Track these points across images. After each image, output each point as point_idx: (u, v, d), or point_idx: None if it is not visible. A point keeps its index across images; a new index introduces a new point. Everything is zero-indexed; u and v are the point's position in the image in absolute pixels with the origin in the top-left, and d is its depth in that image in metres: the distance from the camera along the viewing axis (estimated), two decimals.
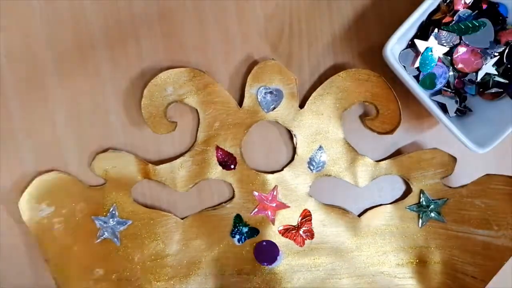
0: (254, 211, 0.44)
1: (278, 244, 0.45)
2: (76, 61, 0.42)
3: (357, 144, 0.44)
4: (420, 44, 0.42)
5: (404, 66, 0.43)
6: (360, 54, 0.44)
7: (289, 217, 0.44)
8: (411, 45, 0.43)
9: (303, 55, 0.44)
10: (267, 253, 0.44)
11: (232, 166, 0.43)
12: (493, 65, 0.43)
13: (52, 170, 0.42)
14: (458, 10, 0.42)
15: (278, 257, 0.45)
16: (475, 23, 0.42)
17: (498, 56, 0.43)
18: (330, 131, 0.43)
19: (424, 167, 0.44)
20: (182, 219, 0.44)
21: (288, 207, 0.44)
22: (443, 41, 0.42)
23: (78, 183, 0.42)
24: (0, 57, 0.41)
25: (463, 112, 0.44)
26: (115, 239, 0.43)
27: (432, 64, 0.43)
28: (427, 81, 0.43)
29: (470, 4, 0.42)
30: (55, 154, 0.43)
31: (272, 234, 0.44)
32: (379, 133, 0.43)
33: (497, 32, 0.42)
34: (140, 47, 0.42)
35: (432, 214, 0.45)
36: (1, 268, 0.44)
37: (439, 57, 0.43)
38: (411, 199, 0.45)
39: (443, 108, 0.44)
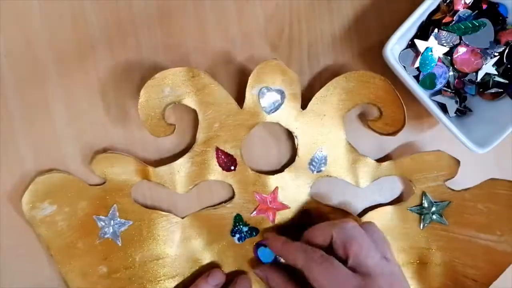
0: (254, 212, 0.44)
1: None
2: (76, 61, 0.42)
3: (356, 143, 0.44)
4: (420, 44, 0.42)
5: (404, 66, 0.43)
6: (360, 54, 0.44)
7: (289, 217, 0.44)
8: (411, 45, 0.43)
9: (303, 55, 0.44)
10: (266, 252, 0.44)
11: (232, 168, 0.43)
12: (493, 65, 0.43)
13: (52, 170, 0.43)
14: (458, 10, 0.42)
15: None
16: (475, 23, 0.42)
17: (498, 56, 0.43)
18: (332, 132, 0.43)
19: (427, 169, 0.44)
20: (182, 218, 0.44)
21: (288, 207, 0.44)
22: (443, 41, 0.42)
23: (79, 182, 0.42)
24: (0, 57, 0.41)
25: (463, 112, 0.44)
26: (117, 240, 0.43)
27: (432, 64, 0.43)
28: (427, 81, 0.43)
29: (470, 4, 0.42)
30: (55, 153, 0.43)
31: None
32: (381, 134, 0.43)
33: (497, 32, 0.42)
34: (140, 47, 0.42)
35: (434, 216, 0.45)
36: (1, 268, 0.44)
37: (439, 57, 0.43)
38: (413, 200, 0.45)
39: (443, 108, 0.44)
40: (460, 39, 0.42)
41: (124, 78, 0.43)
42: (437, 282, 0.46)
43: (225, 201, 0.45)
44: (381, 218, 0.45)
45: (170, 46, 0.43)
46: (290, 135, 0.44)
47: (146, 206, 0.44)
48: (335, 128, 0.43)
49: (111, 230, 0.43)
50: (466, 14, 0.42)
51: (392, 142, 0.46)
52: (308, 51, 0.44)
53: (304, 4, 0.43)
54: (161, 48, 0.42)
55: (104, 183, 0.43)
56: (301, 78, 0.43)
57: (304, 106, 0.42)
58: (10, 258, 0.44)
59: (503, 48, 0.42)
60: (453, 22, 0.42)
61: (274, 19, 0.43)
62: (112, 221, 0.43)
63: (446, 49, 0.43)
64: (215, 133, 0.42)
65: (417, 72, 0.43)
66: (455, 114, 0.44)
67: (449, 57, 0.43)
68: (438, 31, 0.42)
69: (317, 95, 0.42)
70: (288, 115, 0.42)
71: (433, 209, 0.44)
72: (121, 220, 0.43)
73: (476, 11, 0.42)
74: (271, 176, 0.44)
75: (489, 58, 0.43)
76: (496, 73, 0.43)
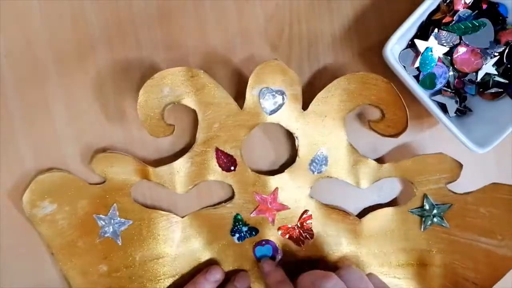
0: (254, 212, 0.44)
1: (277, 244, 0.45)
2: (76, 61, 0.42)
3: (356, 142, 0.44)
4: (420, 44, 0.42)
5: (404, 66, 0.43)
6: (360, 54, 0.44)
7: (289, 217, 0.44)
8: (411, 45, 0.43)
9: (303, 55, 0.44)
10: (266, 252, 0.44)
11: (232, 168, 0.43)
12: (493, 65, 0.43)
13: (52, 169, 0.43)
14: (458, 10, 0.42)
15: (277, 257, 0.45)
16: (475, 23, 0.42)
17: (498, 56, 0.43)
18: (333, 133, 0.43)
19: (428, 171, 0.44)
20: (182, 217, 0.44)
21: (289, 208, 0.44)
22: (443, 41, 0.42)
23: (79, 181, 0.42)
24: (0, 57, 0.41)
25: (463, 112, 0.44)
26: (117, 239, 0.43)
27: (432, 64, 0.43)
28: (427, 81, 0.43)
29: (470, 4, 0.42)
30: (55, 153, 0.43)
31: (272, 233, 0.44)
32: (383, 135, 0.43)
33: (497, 32, 0.42)
34: (140, 47, 0.42)
35: (435, 219, 0.44)
36: (1, 268, 0.44)
37: (439, 57, 0.43)
38: (414, 202, 0.45)
39: (443, 108, 0.44)
40: (460, 39, 0.42)
41: (124, 78, 0.43)
42: (437, 283, 0.46)
43: (225, 201, 0.45)
44: (382, 219, 0.45)
45: (170, 46, 0.43)
46: (290, 136, 0.44)
47: (146, 206, 0.44)
48: (336, 129, 0.43)
49: (111, 230, 0.43)
50: (466, 14, 0.42)
51: (392, 142, 0.46)
52: (308, 51, 0.44)
53: (304, 4, 0.43)
54: (161, 48, 0.42)
55: (104, 182, 0.43)
56: (301, 78, 0.43)
57: (304, 106, 0.42)
58: (11, 257, 0.44)
59: (503, 48, 0.42)
60: (453, 22, 0.42)
61: (274, 19, 0.43)
62: (112, 220, 0.43)
63: (446, 49, 0.42)
64: (214, 133, 0.42)
65: (417, 72, 0.43)
66: (455, 114, 0.44)
67: (449, 57, 0.43)
68: (438, 31, 0.42)
69: (318, 96, 0.42)
70: (289, 116, 0.42)
71: (434, 211, 0.44)
72: (121, 219, 0.43)
73: (476, 11, 0.42)
74: (271, 177, 0.44)
75: (489, 58, 0.43)
76: (496, 73, 0.43)
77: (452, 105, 0.44)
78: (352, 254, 0.45)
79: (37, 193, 0.41)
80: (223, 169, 0.43)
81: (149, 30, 0.42)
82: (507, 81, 0.43)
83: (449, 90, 0.44)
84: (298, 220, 0.44)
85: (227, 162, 0.43)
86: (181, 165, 0.42)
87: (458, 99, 0.44)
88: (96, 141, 0.43)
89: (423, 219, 0.45)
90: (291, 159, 0.45)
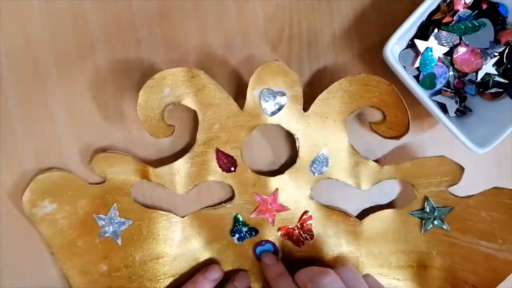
0: (254, 213, 0.44)
1: (277, 245, 0.45)
2: (76, 61, 0.42)
3: (356, 143, 0.44)
4: (420, 44, 0.42)
5: (404, 66, 0.43)
6: (360, 54, 0.44)
7: (289, 218, 0.44)
8: (411, 45, 0.43)
9: (303, 55, 0.44)
10: (266, 252, 0.45)
11: (233, 169, 0.43)
12: (493, 65, 0.43)
13: (52, 168, 0.43)
14: (458, 10, 0.42)
15: (276, 257, 0.45)
16: (475, 23, 0.42)
17: (498, 56, 0.43)
18: (334, 134, 0.43)
19: (430, 174, 0.44)
20: (182, 217, 0.44)
21: (289, 209, 0.44)
22: (443, 41, 0.42)
23: (79, 180, 0.42)
24: (0, 57, 0.41)
25: (463, 112, 0.44)
26: (117, 238, 0.43)
27: (432, 64, 0.43)
28: (427, 81, 0.43)
29: (470, 4, 0.42)
30: (55, 153, 0.43)
31: (272, 234, 0.44)
32: (385, 137, 0.43)
33: (497, 32, 0.42)
34: (140, 47, 0.42)
35: (436, 222, 0.44)
36: (1, 268, 0.44)
37: (439, 57, 0.43)
38: (415, 204, 0.45)
39: (443, 108, 0.44)
40: (460, 39, 0.42)
41: (124, 78, 0.43)
42: (436, 286, 0.46)
43: (225, 202, 0.45)
44: (382, 221, 0.45)
45: (170, 46, 0.43)
46: (291, 137, 0.44)
47: (146, 206, 0.44)
48: (337, 131, 0.43)
49: (111, 229, 0.43)
50: (466, 14, 0.42)
51: (392, 142, 0.46)
52: (308, 51, 0.44)
53: (304, 4, 0.43)
54: (161, 48, 0.42)
55: (104, 182, 0.43)
56: (301, 78, 0.43)
57: (304, 106, 0.42)
58: (11, 257, 0.44)
59: (503, 48, 0.42)
60: (453, 22, 0.42)
61: (274, 19, 0.43)
62: (112, 220, 0.43)
63: (446, 49, 0.42)
64: (215, 134, 0.42)
65: (417, 72, 0.43)
66: (455, 114, 0.44)
67: (449, 57, 0.43)
68: (438, 31, 0.42)
69: (320, 97, 0.42)
70: (290, 117, 0.42)
71: (435, 214, 0.44)
72: (121, 219, 0.43)
73: (476, 11, 0.42)
74: (271, 178, 0.43)
75: (489, 58, 0.43)
76: (496, 73, 0.43)
77: (452, 105, 0.44)
78: (352, 255, 0.45)
79: (37, 193, 0.41)
80: (223, 170, 0.43)
81: (149, 30, 0.42)
82: (507, 81, 0.43)
83: (449, 90, 0.44)
84: (298, 221, 0.44)
85: (227, 163, 0.43)
86: (181, 165, 0.42)
87: (458, 99, 0.44)
88: (96, 141, 0.43)
89: (424, 221, 0.45)
90: (292, 160, 0.45)
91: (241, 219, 0.44)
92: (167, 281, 0.44)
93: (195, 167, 0.43)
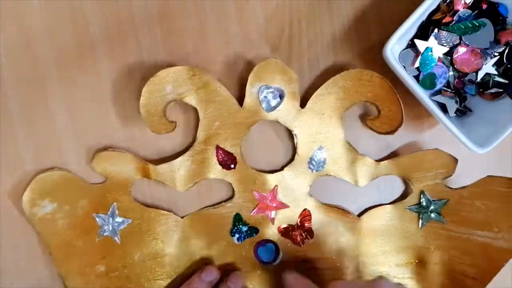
0: (254, 211, 0.44)
1: (277, 243, 0.45)
2: (76, 61, 0.42)
3: (357, 143, 0.44)
4: (420, 44, 0.42)
5: (404, 66, 0.43)
6: (360, 54, 0.44)
7: (289, 216, 0.44)
8: (411, 45, 0.43)
9: (303, 55, 0.44)
10: (267, 252, 0.45)
11: (232, 166, 0.43)
12: (493, 65, 0.43)
13: (53, 168, 0.43)
14: (458, 10, 0.42)
15: (277, 256, 0.45)
16: (475, 23, 0.42)
17: (498, 56, 0.43)
18: (330, 131, 0.43)
19: (425, 168, 0.44)
20: (182, 217, 0.44)
21: (288, 206, 0.44)
22: (443, 41, 0.42)
23: (79, 180, 0.43)
24: (0, 57, 0.41)
25: (463, 112, 0.44)
26: (116, 238, 0.43)
27: (432, 64, 0.43)
28: (427, 81, 0.43)
29: (470, 4, 0.42)
30: (55, 153, 0.43)
31: (272, 233, 0.44)
32: (379, 133, 0.43)
33: (497, 32, 0.42)
34: (140, 47, 0.42)
35: (432, 215, 0.45)
36: (1, 268, 0.44)
37: (439, 57, 0.43)
38: (411, 199, 0.45)
39: (443, 108, 0.44)
40: (460, 39, 0.42)
41: (124, 77, 0.43)
42: (436, 281, 0.46)
43: (225, 201, 0.45)
44: (380, 217, 0.45)
45: (170, 46, 0.43)
46: (290, 134, 0.44)
47: (146, 205, 0.44)
48: (334, 127, 0.43)
49: (111, 228, 0.43)
50: (466, 14, 0.42)
51: (393, 143, 0.46)
52: (308, 51, 0.44)
53: (304, 4, 0.43)
54: (161, 48, 0.43)
55: (104, 181, 0.43)
56: (301, 78, 0.43)
57: (303, 105, 0.43)
58: (11, 257, 0.44)
59: (503, 48, 0.42)
60: (453, 22, 0.42)
61: (274, 19, 0.43)
62: (111, 219, 0.43)
63: (446, 49, 0.42)
64: (215, 131, 0.42)
65: (417, 72, 0.43)
66: (455, 114, 0.44)
67: (449, 57, 0.43)
68: (438, 31, 0.42)
69: (316, 93, 0.42)
70: (288, 114, 0.43)
71: (431, 207, 0.45)
72: (121, 218, 0.43)
73: (476, 11, 0.42)
74: (270, 175, 0.44)
75: (489, 58, 0.43)
76: (496, 73, 0.43)
77: (452, 105, 0.44)
78: (352, 254, 0.45)
79: (38, 192, 0.41)
80: (223, 167, 0.43)
81: (149, 30, 0.42)
82: (507, 81, 0.43)
83: (449, 90, 0.44)
84: (298, 219, 0.44)
85: (227, 160, 0.43)
86: (181, 163, 0.43)
87: (458, 99, 0.44)
88: (97, 141, 0.43)
89: (420, 215, 0.45)
90: (291, 158, 0.45)
91: (241, 217, 0.44)
92: (166, 282, 0.44)
93: (195, 165, 0.43)
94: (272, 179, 0.44)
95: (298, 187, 0.44)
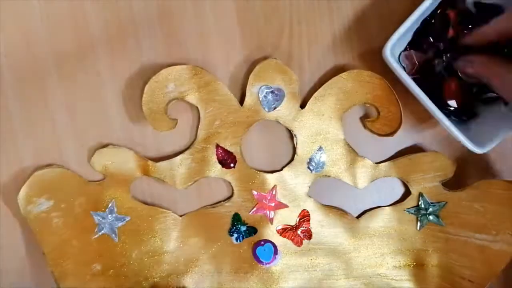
0: (252, 210, 0.44)
1: (276, 244, 0.45)
2: (76, 61, 0.42)
3: (357, 145, 0.44)
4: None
5: (404, 67, 0.43)
6: (360, 54, 0.44)
7: (288, 216, 0.45)
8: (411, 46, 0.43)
9: (303, 55, 0.44)
10: (265, 252, 0.45)
11: (232, 165, 0.43)
12: None
13: (52, 165, 0.43)
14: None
15: (275, 257, 0.45)
16: None
17: None
18: (330, 132, 0.43)
19: (423, 170, 0.44)
20: (181, 216, 0.44)
21: (287, 206, 0.44)
22: None
23: (77, 178, 0.43)
24: (0, 57, 0.41)
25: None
26: (113, 235, 0.43)
27: None
28: None
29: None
30: (55, 153, 0.43)
31: (270, 233, 0.45)
32: (379, 135, 0.43)
33: None
34: (140, 47, 0.42)
35: (431, 217, 0.45)
36: (1, 268, 0.44)
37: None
38: (410, 201, 0.45)
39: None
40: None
41: (124, 77, 0.43)
42: (433, 284, 0.46)
43: (224, 200, 0.45)
44: (378, 219, 0.45)
45: (170, 46, 0.43)
46: (290, 134, 0.44)
47: (145, 203, 0.44)
48: (334, 128, 0.43)
49: (108, 226, 0.43)
50: None
51: (392, 144, 0.46)
52: (308, 51, 0.44)
53: (304, 4, 0.43)
54: (161, 48, 0.43)
55: (103, 179, 0.43)
56: (301, 78, 0.43)
57: (303, 105, 0.43)
58: (11, 257, 0.44)
59: None
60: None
61: (274, 19, 0.43)
62: (109, 216, 0.43)
63: None
64: (215, 130, 0.43)
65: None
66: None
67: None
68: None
69: (316, 94, 0.42)
70: (287, 114, 0.43)
71: (430, 210, 0.45)
72: (119, 215, 0.43)
73: None
74: (270, 174, 0.44)
75: None
76: None
77: None
78: (350, 255, 0.45)
79: (35, 189, 0.42)
80: (223, 166, 0.43)
81: (149, 30, 0.42)
82: None
83: None
84: (297, 220, 0.44)
85: (227, 159, 0.43)
86: (181, 161, 0.43)
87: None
88: (96, 141, 0.43)
89: (419, 218, 0.45)
90: (291, 158, 0.45)
91: (240, 217, 0.44)
92: (164, 281, 0.45)
93: (195, 163, 0.43)
94: (271, 179, 0.44)
95: (298, 187, 0.44)
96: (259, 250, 0.44)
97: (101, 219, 0.43)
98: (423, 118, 0.45)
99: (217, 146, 0.43)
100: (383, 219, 0.45)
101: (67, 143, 0.43)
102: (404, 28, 0.39)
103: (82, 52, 0.42)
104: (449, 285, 0.45)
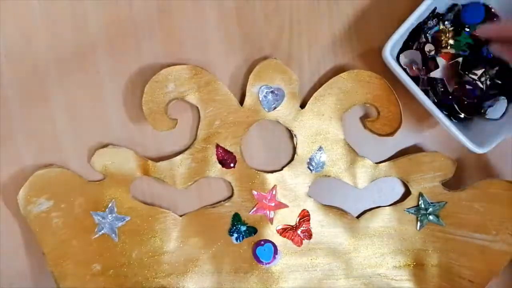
0: (252, 210, 0.44)
1: (276, 244, 0.45)
2: (76, 61, 0.42)
3: (357, 145, 0.44)
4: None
5: (405, 69, 0.43)
6: (360, 54, 0.44)
7: (288, 216, 0.45)
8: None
9: (303, 55, 0.44)
10: (265, 252, 0.45)
11: (232, 165, 0.43)
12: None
13: (52, 165, 0.43)
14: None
15: (275, 257, 0.45)
16: None
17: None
18: (330, 132, 0.43)
19: (423, 170, 0.44)
20: (181, 216, 0.44)
21: (287, 206, 0.44)
22: None
23: (77, 178, 0.43)
24: (0, 57, 0.41)
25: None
26: (113, 235, 0.43)
27: None
28: None
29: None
30: (55, 153, 0.43)
31: (270, 233, 0.45)
32: (379, 135, 0.43)
33: None
34: (140, 47, 0.43)
35: (431, 217, 0.45)
36: (1, 268, 0.44)
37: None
38: (410, 201, 0.45)
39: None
40: None
41: (124, 77, 0.43)
42: (433, 284, 0.46)
43: (224, 200, 0.45)
44: (378, 219, 0.45)
45: (170, 46, 0.43)
46: (290, 134, 0.44)
47: (145, 203, 0.44)
48: (334, 128, 0.43)
49: (108, 225, 0.43)
50: None
51: (393, 144, 0.46)
52: (308, 51, 0.44)
53: (304, 4, 0.43)
54: (160, 47, 0.43)
55: (103, 179, 0.43)
56: (301, 78, 0.43)
57: (303, 105, 0.43)
58: (11, 257, 0.44)
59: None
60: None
61: (274, 19, 0.43)
62: (109, 216, 0.43)
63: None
64: (215, 130, 0.43)
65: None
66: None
67: None
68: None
69: (316, 94, 0.42)
70: (287, 114, 0.43)
71: (430, 210, 0.45)
72: (119, 215, 0.43)
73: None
74: (270, 174, 0.44)
75: None
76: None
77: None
78: (350, 255, 0.45)
79: (35, 189, 0.42)
80: (223, 166, 0.43)
81: (149, 30, 0.42)
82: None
83: None
84: (297, 220, 0.44)
85: (227, 159, 0.43)
86: (181, 160, 0.43)
87: None
88: (96, 141, 0.43)
89: (419, 218, 0.45)
90: (290, 157, 0.45)
91: (240, 217, 0.44)
92: (164, 281, 0.44)
93: (195, 163, 0.43)
94: (271, 179, 0.44)
95: (298, 187, 0.44)
96: (259, 250, 0.45)
97: (101, 219, 0.43)
98: (423, 118, 0.45)
99: (217, 146, 0.43)
100: (383, 219, 0.45)
101: (67, 143, 0.43)
102: (404, 28, 0.39)
103: (82, 52, 0.42)
104: (449, 285, 0.45)
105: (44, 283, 0.45)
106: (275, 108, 0.43)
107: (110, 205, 0.43)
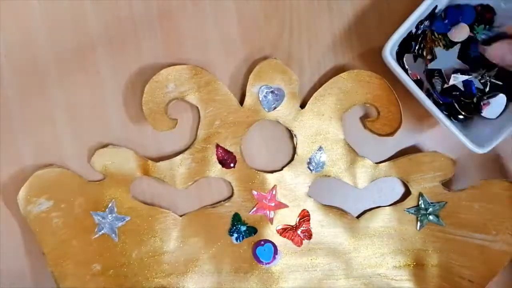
0: (252, 210, 0.44)
1: (276, 244, 0.45)
2: (76, 61, 0.42)
3: (357, 145, 0.44)
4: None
5: (406, 70, 0.43)
6: (360, 54, 0.44)
7: (288, 216, 0.45)
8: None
9: (303, 55, 0.44)
10: (265, 252, 0.45)
11: (232, 165, 0.43)
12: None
13: (52, 165, 0.43)
14: None
15: (275, 257, 0.45)
16: None
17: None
18: (330, 132, 0.43)
19: (423, 170, 0.44)
20: (181, 216, 0.44)
21: (287, 206, 0.44)
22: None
23: (77, 178, 0.43)
24: (0, 57, 0.41)
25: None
26: (113, 235, 0.43)
27: None
28: None
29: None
30: (55, 153, 0.43)
31: (270, 233, 0.45)
32: (379, 135, 0.43)
33: None
34: (140, 47, 0.43)
35: (431, 217, 0.45)
36: (1, 268, 0.44)
37: None
38: (410, 201, 0.45)
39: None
40: None
41: (124, 77, 0.43)
42: (433, 284, 0.46)
43: (224, 200, 0.45)
44: (378, 219, 0.45)
45: (170, 46, 0.43)
46: (290, 134, 0.44)
47: (145, 203, 0.44)
48: (334, 128, 0.43)
49: (108, 225, 0.43)
50: None
51: (393, 144, 0.46)
52: (308, 51, 0.44)
53: (304, 4, 0.43)
54: (161, 48, 0.43)
55: (103, 179, 0.43)
56: (301, 78, 0.43)
57: (303, 105, 0.43)
58: (11, 257, 0.44)
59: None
60: None
61: (274, 19, 0.43)
62: (109, 216, 0.43)
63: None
64: (215, 130, 0.43)
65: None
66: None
67: None
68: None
69: (316, 94, 0.43)
70: (287, 114, 0.43)
71: (430, 210, 0.45)
72: (119, 215, 0.43)
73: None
74: (270, 174, 0.44)
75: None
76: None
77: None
78: (350, 255, 0.45)
79: (35, 189, 0.42)
80: (223, 166, 0.43)
81: (149, 30, 0.42)
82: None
83: None
84: (297, 220, 0.44)
85: (227, 159, 0.43)
86: (181, 160, 0.43)
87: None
88: (96, 141, 0.43)
89: (419, 218, 0.45)
90: (290, 157, 0.45)
91: (240, 217, 0.44)
92: (164, 281, 0.44)
93: (195, 163, 0.43)
94: (271, 179, 0.44)
95: (298, 187, 0.44)
96: (259, 250, 0.45)
97: (101, 219, 0.43)
98: (423, 118, 0.45)
99: (217, 146, 0.43)
100: (383, 219, 0.45)
101: (67, 143, 0.43)
102: (404, 28, 0.39)
103: (82, 52, 0.42)
104: (449, 285, 0.45)
105: (44, 283, 0.45)
106: (275, 108, 0.43)
107: (110, 205, 0.43)
